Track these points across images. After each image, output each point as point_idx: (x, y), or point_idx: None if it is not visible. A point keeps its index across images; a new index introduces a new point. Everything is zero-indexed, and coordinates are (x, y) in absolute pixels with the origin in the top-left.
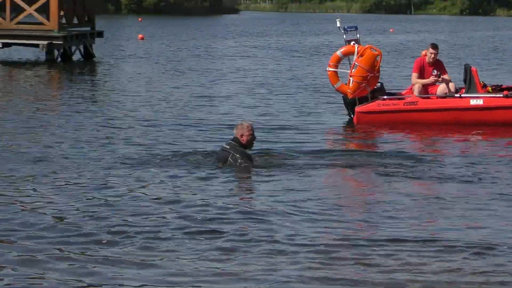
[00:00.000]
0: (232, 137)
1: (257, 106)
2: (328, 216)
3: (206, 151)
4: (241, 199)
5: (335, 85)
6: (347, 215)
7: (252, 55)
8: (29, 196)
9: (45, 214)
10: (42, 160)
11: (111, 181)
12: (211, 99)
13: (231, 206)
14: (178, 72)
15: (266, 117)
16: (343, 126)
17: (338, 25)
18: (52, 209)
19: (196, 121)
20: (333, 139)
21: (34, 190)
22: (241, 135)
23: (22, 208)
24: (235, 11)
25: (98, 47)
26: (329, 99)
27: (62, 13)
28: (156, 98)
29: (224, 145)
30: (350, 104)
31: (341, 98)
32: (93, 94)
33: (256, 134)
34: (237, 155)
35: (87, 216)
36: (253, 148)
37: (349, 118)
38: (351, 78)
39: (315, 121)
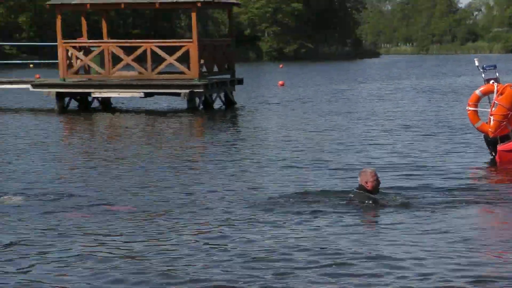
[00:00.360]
0: (357, 185)
1: (396, 146)
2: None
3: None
4: (371, 242)
5: (475, 125)
6: (486, 255)
7: (391, 98)
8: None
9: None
10: (185, 205)
11: (254, 226)
12: (350, 140)
13: (361, 250)
14: (317, 115)
15: (405, 157)
16: (485, 166)
17: (477, 64)
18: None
19: (335, 162)
20: (475, 178)
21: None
22: (366, 182)
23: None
24: (376, 55)
25: (239, 94)
26: (469, 139)
27: (202, 61)
28: (295, 142)
29: (350, 195)
30: (491, 143)
31: (482, 137)
32: (234, 140)
33: (394, 174)
34: (364, 200)
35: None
36: (391, 186)
37: (491, 158)
38: (491, 117)
39: (455, 161)
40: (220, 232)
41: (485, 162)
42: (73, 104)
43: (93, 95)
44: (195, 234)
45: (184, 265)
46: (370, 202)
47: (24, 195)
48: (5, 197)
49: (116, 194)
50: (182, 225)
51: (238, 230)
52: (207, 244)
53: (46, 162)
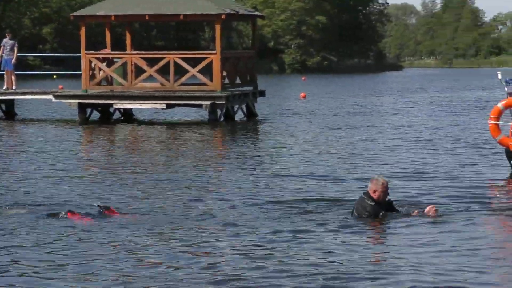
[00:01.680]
0: (365, 190)
1: (415, 160)
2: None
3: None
4: (374, 253)
5: (496, 138)
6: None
7: (410, 111)
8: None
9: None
10: (202, 216)
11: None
12: (370, 153)
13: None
14: (338, 128)
15: (424, 170)
16: (505, 179)
17: (499, 77)
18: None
19: (353, 174)
20: (494, 191)
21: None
22: (374, 191)
23: None
24: (398, 68)
25: (261, 106)
26: (490, 153)
27: (224, 73)
28: (316, 154)
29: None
30: None
31: (503, 151)
32: (254, 152)
33: (412, 185)
34: (363, 209)
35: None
36: (409, 198)
37: (511, 171)
38: None
39: (475, 174)
40: (238, 244)
41: (505, 176)
42: (95, 115)
43: (115, 106)
44: (211, 247)
45: (213, 276)
46: (366, 214)
47: (41, 205)
48: (11, 208)
49: (132, 203)
50: (202, 237)
51: (258, 242)
52: (224, 256)
53: (65, 172)
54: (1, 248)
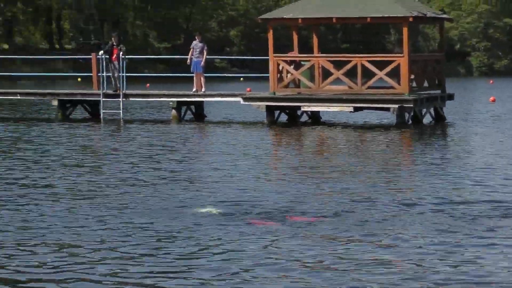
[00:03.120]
0: None
1: None
2: None
3: None
4: None
5: None
6: None
7: None
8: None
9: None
10: (386, 221)
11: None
12: None
13: None
14: None
15: None
16: None
17: None
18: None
19: None
20: None
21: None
22: None
23: None
24: None
25: (449, 110)
26: None
27: (412, 76)
28: (503, 161)
29: None
30: None
31: None
32: (443, 157)
33: None
34: None
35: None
36: None
37: None
38: None
39: None
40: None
41: None
42: (283, 117)
43: (302, 109)
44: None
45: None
46: None
47: (223, 204)
48: (204, 207)
49: (318, 206)
50: (395, 247)
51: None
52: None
53: (254, 173)
54: (193, 244)
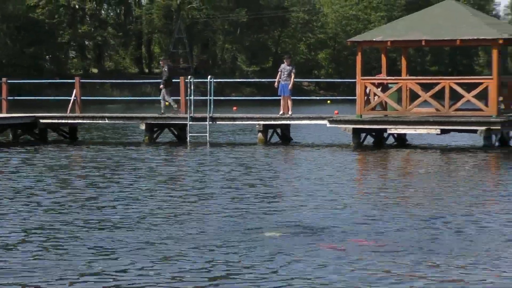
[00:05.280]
0: None
1: None
2: None
3: None
4: None
5: None
6: None
7: None
8: None
9: None
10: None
11: None
12: None
13: None
14: None
15: None
16: None
17: None
18: None
19: None
20: None
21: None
22: None
23: None
24: None
25: None
26: None
27: (501, 98)
28: None
29: None
30: None
31: None
32: None
33: None
34: None
35: None
36: None
37: None
38: None
39: None
40: None
41: None
42: (369, 140)
43: (388, 131)
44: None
45: None
46: None
47: (291, 227)
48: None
49: (392, 233)
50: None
51: None
52: None
53: (337, 195)
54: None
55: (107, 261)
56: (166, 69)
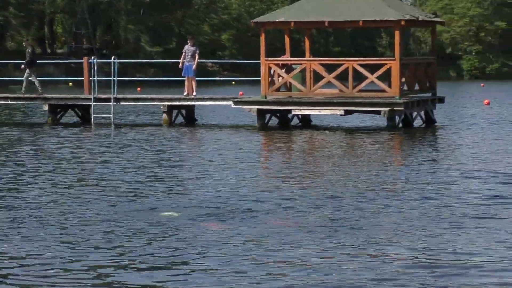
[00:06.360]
0: None
1: None
2: None
3: None
4: None
5: None
6: None
7: None
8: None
9: None
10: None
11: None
12: None
13: None
14: None
15: None
16: None
17: None
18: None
19: None
20: None
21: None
22: None
23: None
24: None
25: (440, 113)
26: None
27: (403, 79)
28: (496, 163)
29: None
30: None
31: None
32: (433, 161)
33: None
34: None
35: None
36: None
37: None
38: None
39: None
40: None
41: None
42: (274, 121)
43: (293, 112)
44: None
45: None
46: None
47: (190, 207)
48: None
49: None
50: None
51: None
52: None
53: (239, 176)
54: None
55: None
56: (29, 50)
